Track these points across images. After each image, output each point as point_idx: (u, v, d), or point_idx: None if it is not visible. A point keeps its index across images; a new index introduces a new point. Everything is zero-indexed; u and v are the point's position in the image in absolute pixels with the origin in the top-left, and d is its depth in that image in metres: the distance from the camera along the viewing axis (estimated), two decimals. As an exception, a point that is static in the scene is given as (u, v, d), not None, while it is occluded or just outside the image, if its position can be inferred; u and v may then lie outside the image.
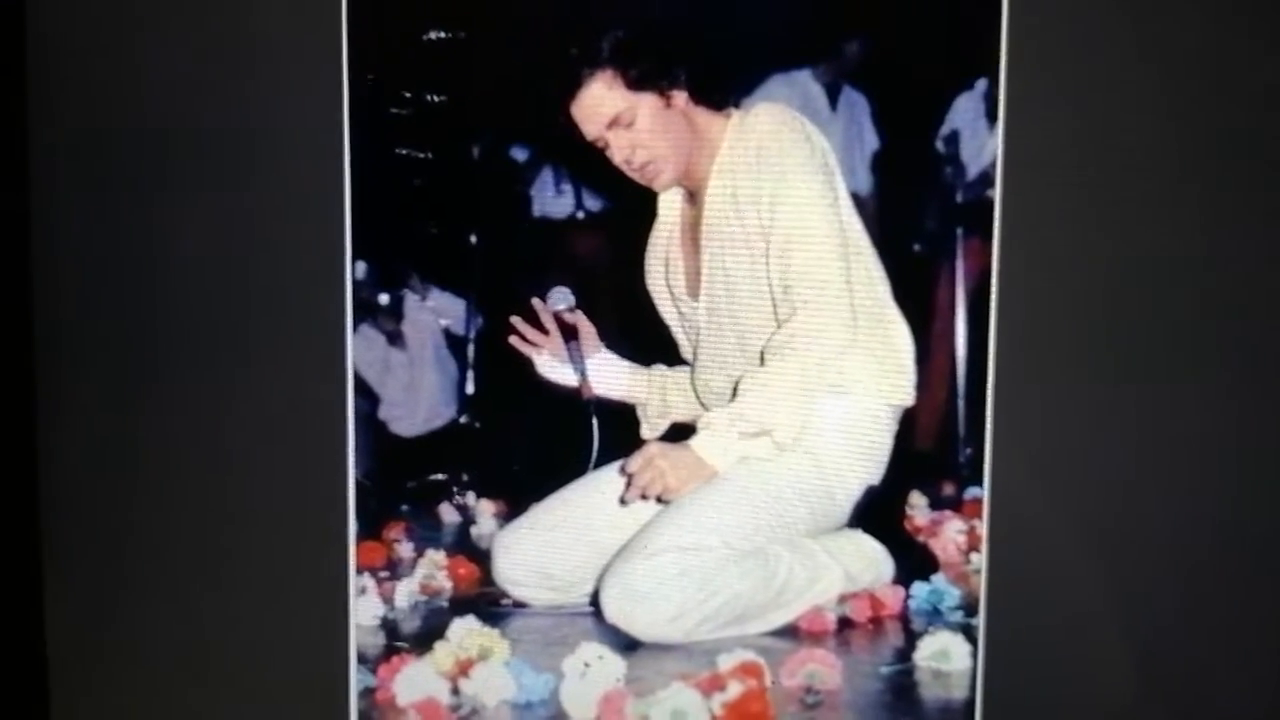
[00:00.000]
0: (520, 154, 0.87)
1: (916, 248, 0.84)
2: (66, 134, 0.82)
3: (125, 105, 0.82)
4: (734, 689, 0.83)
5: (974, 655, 0.82)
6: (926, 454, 0.85)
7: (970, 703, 0.82)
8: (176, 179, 0.82)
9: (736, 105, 0.84)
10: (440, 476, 0.90)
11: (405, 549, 0.89)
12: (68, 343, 0.84)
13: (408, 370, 0.88)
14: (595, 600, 0.88)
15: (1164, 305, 0.79)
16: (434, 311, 0.88)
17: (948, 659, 0.84)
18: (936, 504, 0.86)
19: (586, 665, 0.84)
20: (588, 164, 0.86)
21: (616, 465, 0.88)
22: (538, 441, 0.90)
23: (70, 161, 0.82)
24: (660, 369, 0.91)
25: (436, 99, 0.83)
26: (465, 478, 0.90)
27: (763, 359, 0.86)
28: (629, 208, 0.87)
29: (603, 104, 0.84)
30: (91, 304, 0.83)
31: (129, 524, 0.85)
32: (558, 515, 0.89)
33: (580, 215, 0.88)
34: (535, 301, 0.87)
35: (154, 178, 0.82)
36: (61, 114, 0.82)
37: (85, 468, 0.85)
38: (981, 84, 0.77)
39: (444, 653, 0.86)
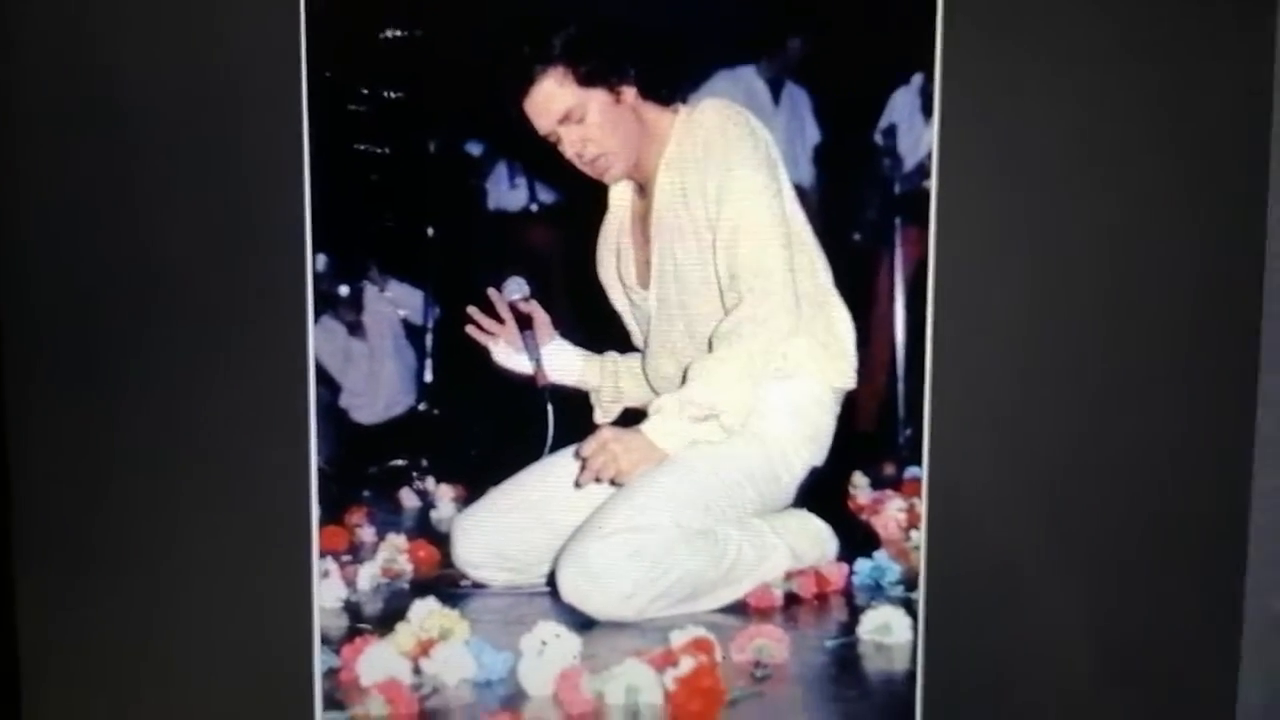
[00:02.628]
0: (475, 149, 0.88)
1: (857, 237, 0.86)
2: (23, 123, 0.82)
3: (86, 99, 0.82)
4: (686, 664, 0.85)
5: (914, 628, 0.85)
6: (868, 435, 0.88)
7: (911, 674, 0.85)
8: (138, 174, 0.82)
9: (683, 101, 0.87)
10: (400, 462, 0.91)
11: (367, 533, 0.90)
12: (30, 333, 0.84)
13: (368, 360, 0.89)
14: (551, 580, 0.89)
15: (1093, 289, 0.81)
16: (393, 302, 0.89)
17: (890, 632, 0.86)
18: (878, 483, 0.88)
19: (544, 643, 0.86)
20: (541, 158, 0.87)
21: (571, 450, 0.90)
22: (495, 428, 0.91)
23: (27, 151, 0.83)
24: (612, 356, 0.93)
25: (393, 95, 0.84)
26: (424, 463, 0.90)
27: (711, 345, 0.88)
28: (581, 200, 0.89)
29: (554, 100, 0.86)
30: (54, 295, 0.83)
31: (93, 509, 0.85)
32: (514, 499, 0.90)
33: (534, 208, 0.89)
34: (491, 292, 0.88)
35: (115, 173, 0.82)
36: (19, 101, 0.82)
37: (49, 454, 0.85)
38: (918, 79, 0.80)
39: (405, 633, 0.87)
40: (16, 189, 0.83)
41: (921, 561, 0.84)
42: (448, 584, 0.91)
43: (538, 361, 0.91)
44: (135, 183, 0.82)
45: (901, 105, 0.82)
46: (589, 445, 0.89)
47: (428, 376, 0.91)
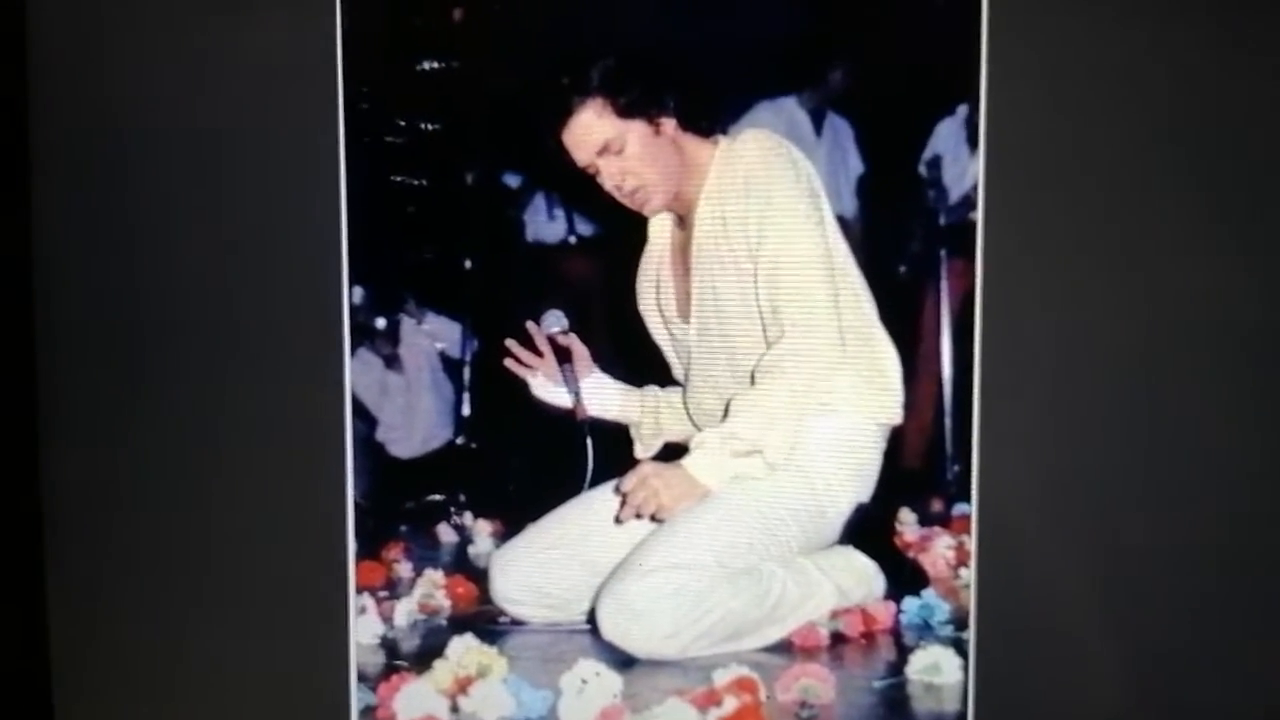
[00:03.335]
0: (513, 180, 0.88)
1: (902, 269, 0.85)
2: (68, 161, 0.83)
3: (127, 138, 0.83)
4: (729, 704, 0.84)
5: (965, 668, 0.83)
6: (915, 471, 0.86)
7: (962, 715, 0.83)
8: (177, 209, 0.83)
9: (724, 132, 0.86)
10: (438, 497, 0.90)
11: (404, 569, 0.90)
12: (69, 368, 0.85)
13: (405, 393, 0.89)
14: (592, 618, 0.88)
15: (1144, 321, 0.80)
16: (430, 335, 0.89)
17: (939, 672, 0.85)
18: (925, 520, 0.87)
19: (584, 682, 0.85)
20: (579, 190, 0.87)
21: (611, 485, 0.89)
22: (533, 462, 0.91)
23: (71, 190, 0.83)
24: (653, 390, 0.92)
25: (430, 127, 0.84)
26: (462, 498, 0.90)
27: (753, 379, 0.87)
28: (620, 232, 0.89)
29: (593, 131, 0.86)
30: (94, 331, 0.84)
31: (132, 544, 0.85)
32: (554, 534, 0.89)
33: (572, 240, 0.89)
34: (529, 325, 0.88)
35: (156, 208, 0.83)
36: (66, 145, 0.83)
37: (86, 489, 0.85)
38: (962, 110, 0.79)
39: (443, 671, 0.86)
40: (61, 222, 0.84)
41: (972, 600, 0.83)
42: (486, 620, 0.90)
43: (576, 395, 0.91)
44: (174, 215, 0.83)
45: (946, 136, 0.81)
46: (629, 480, 0.88)
47: (465, 410, 0.91)
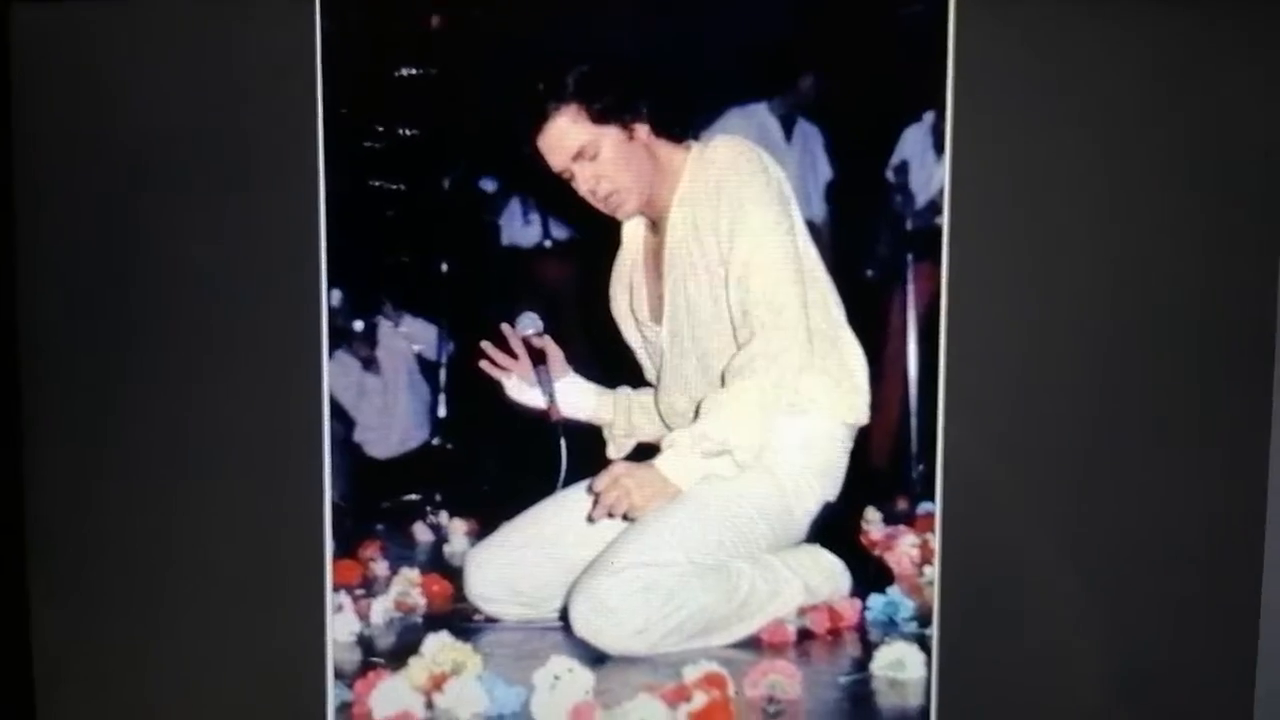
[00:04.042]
0: (489, 185, 0.88)
1: (869, 273, 0.86)
2: (49, 162, 0.83)
3: (108, 140, 0.83)
4: (699, 699, 0.85)
5: (928, 664, 0.85)
6: (881, 471, 0.87)
7: (925, 710, 0.85)
8: (157, 210, 0.83)
9: (696, 137, 0.87)
10: (414, 497, 0.91)
11: (380, 567, 0.90)
12: (50, 365, 0.84)
13: (382, 394, 0.90)
14: (564, 615, 0.89)
15: (1104, 323, 0.82)
16: (407, 337, 0.89)
17: (903, 668, 0.86)
18: (891, 519, 0.88)
19: (556, 678, 0.86)
20: (554, 194, 0.88)
21: (584, 484, 0.90)
22: (508, 462, 0.91)
23: (52, 191, 0.83)
24: (625, 391, 0.93)
25: (408, 133, 0.84)
26: (438, 497, 0.91)
27: (723, 380, 0.88)
28: (594, 236, 0.90)
29: (568, 137, 0.87)
30: (75, 331, 0.84)
31: (108, 543, 0.85)
32: (528, 533, 0.90)
33: (547, 244, 0.89)
34: (504, 327, 0.88)
35: (134, 210, 0.83)
36: (48, 145, 0.83)
37: (66, 487, 0.85)
38: (929, 116, 0.81)
39: (418, 667, 0.87)
40: (41, 223, 0.84)
41: (935, 597, 0.84)
42: (461, 618, 0.91)
43: (551, 396, 0.91)
44: (151, 217, 0.83)
45: (913, 142, 0.82)
46: (602, 480, 0.89)
47: (441, 411, 0.91)
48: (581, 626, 0.88)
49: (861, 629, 0.89)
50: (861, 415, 0.87)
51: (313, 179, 0.82)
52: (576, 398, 0.92)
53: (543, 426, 0.92)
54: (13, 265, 0.84)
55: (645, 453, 0.91)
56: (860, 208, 0.85)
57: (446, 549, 0.92)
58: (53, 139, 0.83)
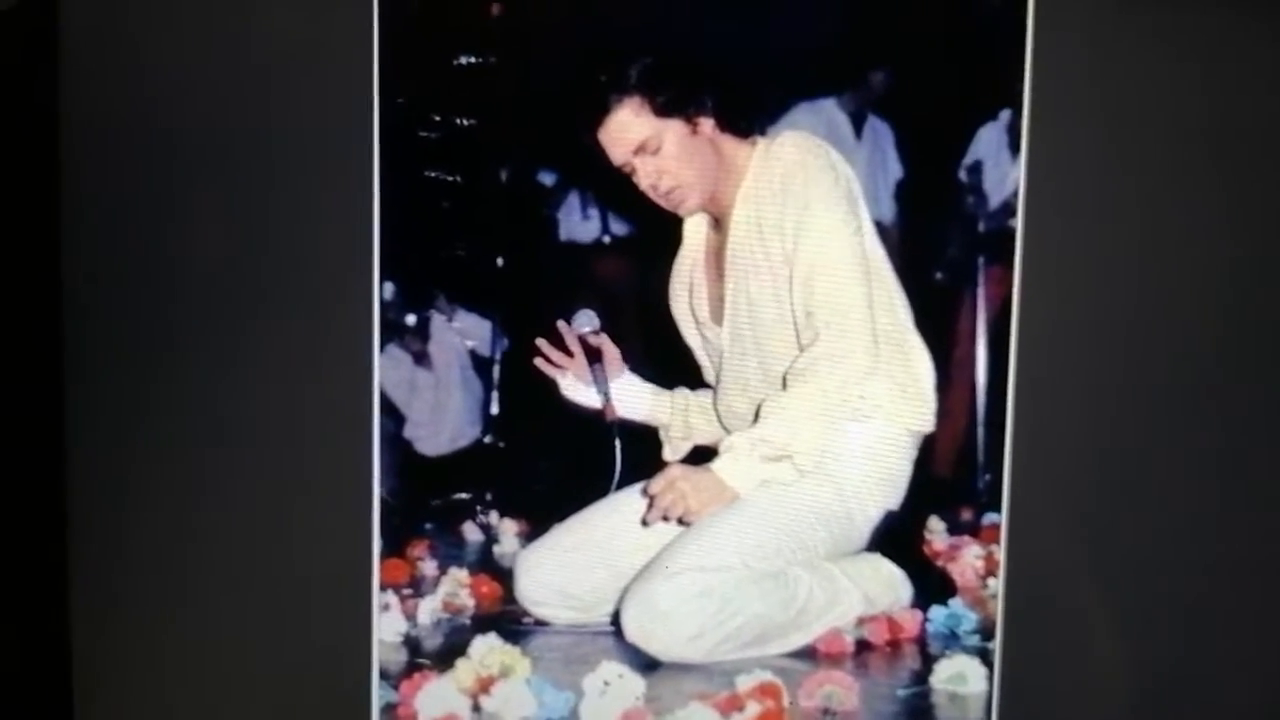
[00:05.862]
0: (547, 178, 0.87)
1: (938, 275, 0.85)
2: (97, 156, 0.83)
3: (157, 126, 0.83)
4: (752, 709, 0.84)
5: (990, 679, 0.83)
6: (945, 480, 0.86)
7: (986, 725, 0.83)
8: (207, 200, 0.83)
9: (762, 133, 0.85)
10: (464, 495, 0.90)
11: (429, 567, 0.89)
12: (96, 358, 0.84)
13: (433, 390, 0.89)
14: (616, 619, 0.88)
15: (1185, 333, 0.80)
16: (460, 332, 0.88)
17: (964, 682, 0.84)
18: (955, 529, 0.86)
19: (606, 684, 0.85)
20: (614, 189, 0.87)
21: (639, 487, 0.89)
22: (561, 462, 0.90)
23: (100, 187, 0.83)
24: (683, 392, 0.91)
25: (465, 123, 0.84)
26: (489, 497, 0.90)
27: (785, 383, 0.87)
28: (654, 233, 0.88)
29: (629, 130, 0.85)
30: (122, 328, 0.84)
31: (155, 539, 0.85)
32: (580, 535, 0.89)
33: (606, 239, 0.88)
34: (560, 324, 0.87)
35: (185, 198, 0.83)
36: (95, 138, 0.83)
37: (111, 485, 0.85)
38: (1005, 115, 0.79)
39: (465, 670, 0.86)
40: (89, 220, 0.83)
41: (999, 610, 0.82)
42: (510, 620, 0.90)
43: (606, 396, 0.90)
44: (204, 210, 0.83)
45: (987, 141, 0.80)
46: (657, 483, 0.88)
47: (494, 409, 0.90)
48: (633, 631, 0.87)
49: (922, 641, 0.87)
50: (927, 422, 0.85)
51: (367, 169, 0.81)
52: (633, 398, 0.90)
53: (597, 427, 0.91)
54: (59, 261, 0.83)
55: (702, 455, 0.89)
56: (931, 208, 0.84)
57: (496, 550, 0.91)
58: (101, 131, 0.82)
